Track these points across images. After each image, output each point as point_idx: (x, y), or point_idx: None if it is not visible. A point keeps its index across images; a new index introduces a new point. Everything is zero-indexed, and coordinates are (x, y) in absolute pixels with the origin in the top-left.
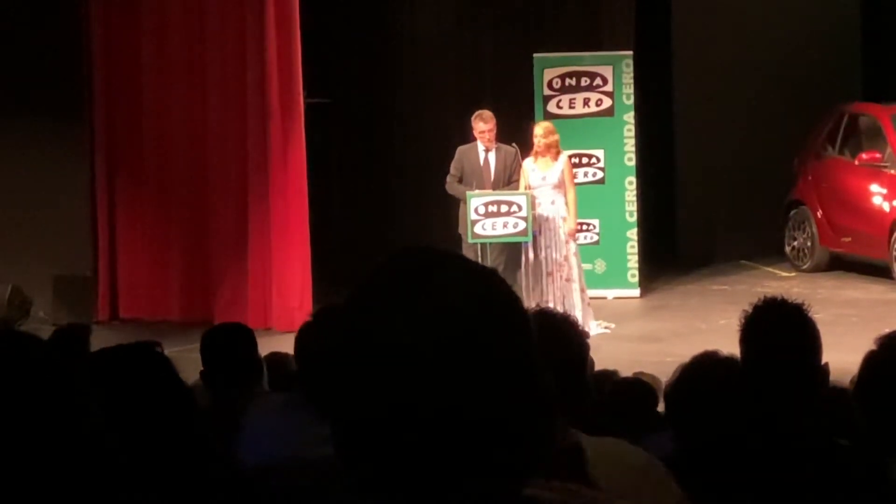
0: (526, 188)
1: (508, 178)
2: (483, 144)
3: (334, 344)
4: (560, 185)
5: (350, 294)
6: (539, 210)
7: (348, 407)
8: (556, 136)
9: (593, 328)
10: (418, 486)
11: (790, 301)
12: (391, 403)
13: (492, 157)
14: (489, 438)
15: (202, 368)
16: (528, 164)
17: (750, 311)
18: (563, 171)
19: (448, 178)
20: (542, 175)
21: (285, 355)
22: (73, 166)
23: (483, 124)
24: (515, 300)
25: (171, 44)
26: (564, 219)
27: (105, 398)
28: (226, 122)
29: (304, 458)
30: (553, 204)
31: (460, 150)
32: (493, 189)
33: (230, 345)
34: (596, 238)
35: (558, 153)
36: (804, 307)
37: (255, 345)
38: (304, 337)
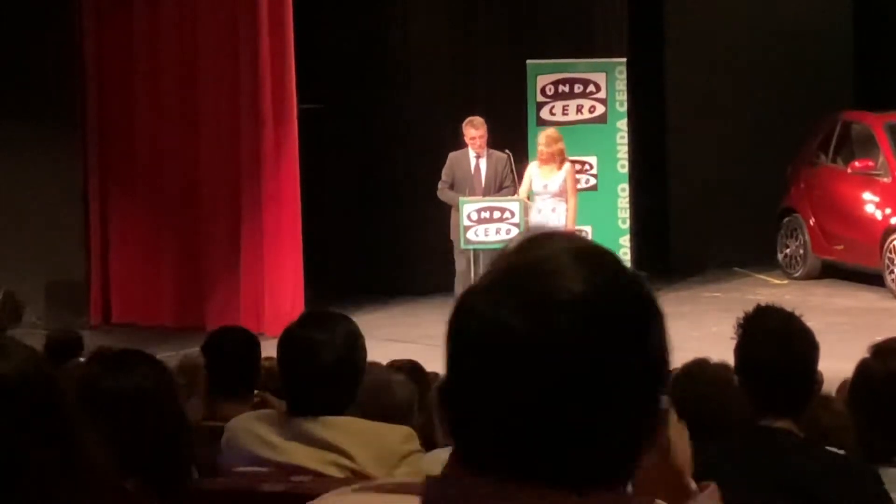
0: (528, 190)
1: (500, 185)
2: (474, 150)
3: (452, 323)
4: (562, 194)
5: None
6: (540, 217)
7: (460, 385)
8: (560, 145)
9: None
10: (523, 473)
11: (787, 309)
12: (500, 386)
13: (483, 163)
14: (598, 439)
15: (205, 370)
16: (532, 169)
17: (746, 318)
18: (565, 180)
19: (440, 185)
20: (543, 182)
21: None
22: (65, 171)
23: (473, 130)
24: (648, 294)
25: (163, 50)
26: (564, 227)
27: (98, 402)
28: (219, 127)
29: (286, 465)
30: (554, 212)
31: (451, 156)
32: (484, 195)
33: (235, 349)
34: None
35: (563, 161)
36: (799, 315)
37: (258, 351)
38: (287, 343)
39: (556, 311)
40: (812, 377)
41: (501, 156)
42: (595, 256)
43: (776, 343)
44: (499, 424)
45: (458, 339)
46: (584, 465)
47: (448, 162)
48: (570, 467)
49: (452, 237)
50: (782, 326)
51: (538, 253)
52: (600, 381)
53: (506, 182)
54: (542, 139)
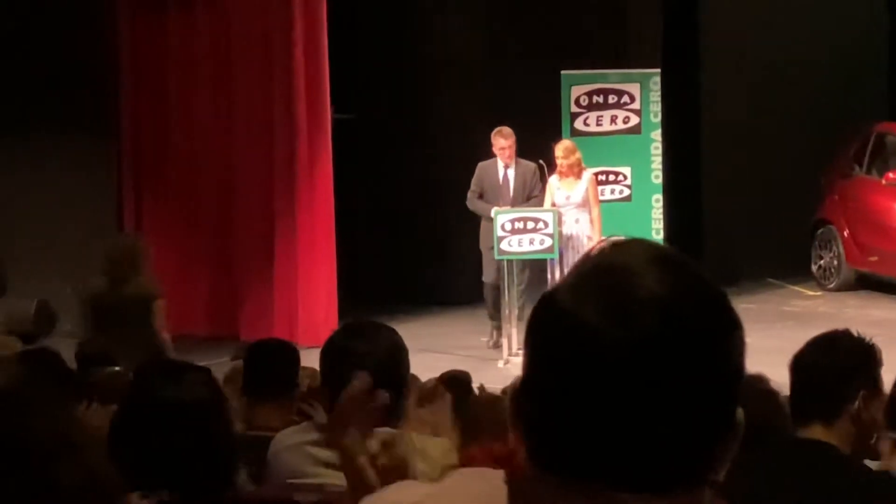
0: (552, 206)
1: (528, 195)
2: (502, 161)
3: (534, 321)
4: (584, 204)
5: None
6: (564, 229)
7: (538, 383)
8: (578, 155)
9: None
10: (593, 474)
11: (854, 331)
12: (577, 384)
13: (511, 173)
14: (678, 445)
15: (243, 381)
16: (553, 182)
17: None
18: (587, 190)
19: (469, 195)
20: (566, 194)
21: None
22: (100, 181)
23: (503, 140)
24: (728, 304)
25: (198, 60)
26: (589, 237)
27: (148, 411)
28: (253, 137)
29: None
30: (577, 223)
31: (480, 165)
32: (513, 205)
33: (275, 361)
34: None
35: (582, 171)
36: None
37: (297, 360)
38: (329, 352)
39: (635, 311)
40: (847, 385)
41: (530, 165)
42: (678, 262)
43: (820, 348)
44: (573, 423)
45: (539, 337)
46: (656, 468)
47: (477, 172)
48: (642, 470)
49: (482, 247)
50: (833, 335)
51: (622, 255)
52: (676, 384)
53: (534, 192)
54: (560, 152)
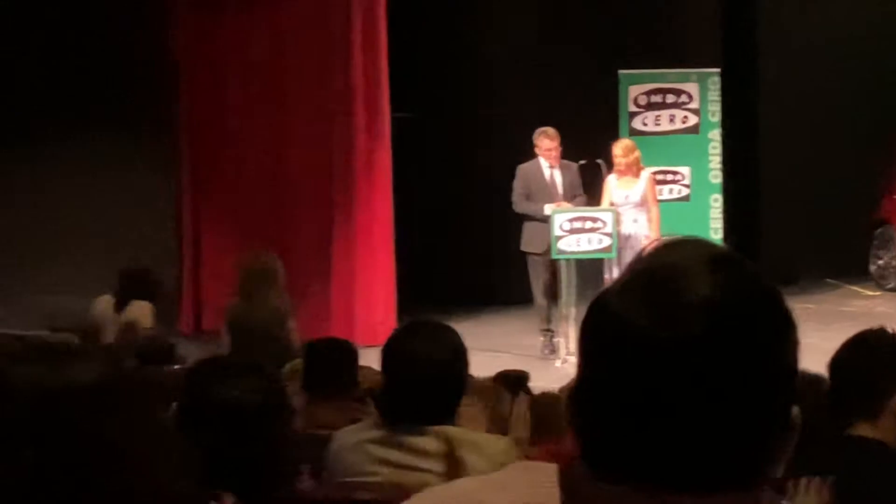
0: (610, 205)
1: (573, 194)
2: (548, 161)
3: (586, 323)
4: (643, 203)
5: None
6: (622, 228)
7: (590, 385)
8: (637, 154)
9: None
10: (648, 476)
11: (888, 330)
12: (626, 387)
13: (557, 173)
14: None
15: (303, 380)
16: (611, 181)
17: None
18: (645, 189)
19: (516, 198)
20: (624, 193)
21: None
22: (159, 181)
23: (549, 142)
24: (781, 304)
25: (256, 58)
26: (647, 237)
27: (204, 410)
28: (311, 136)
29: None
30: (635, 222)
31: (522, 168)
32: None
33: (334, 360)
34: None
35: (640, 170)
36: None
37: (356, 362)
38: (390, 351)
39: (684, 313)
40: (885, 381)
41: (572, 165)
42: (731, 262)
43: (855, 346)
44: (626, 425)
45: (590, 339)
46: (710, 468)
47: (519, 174)
48: (697, 470)
49: (524, 248)
50: (868, 332)
51: (672, 256)
52: (726, 386)
53: (577, 191)
54: (619, 150)
